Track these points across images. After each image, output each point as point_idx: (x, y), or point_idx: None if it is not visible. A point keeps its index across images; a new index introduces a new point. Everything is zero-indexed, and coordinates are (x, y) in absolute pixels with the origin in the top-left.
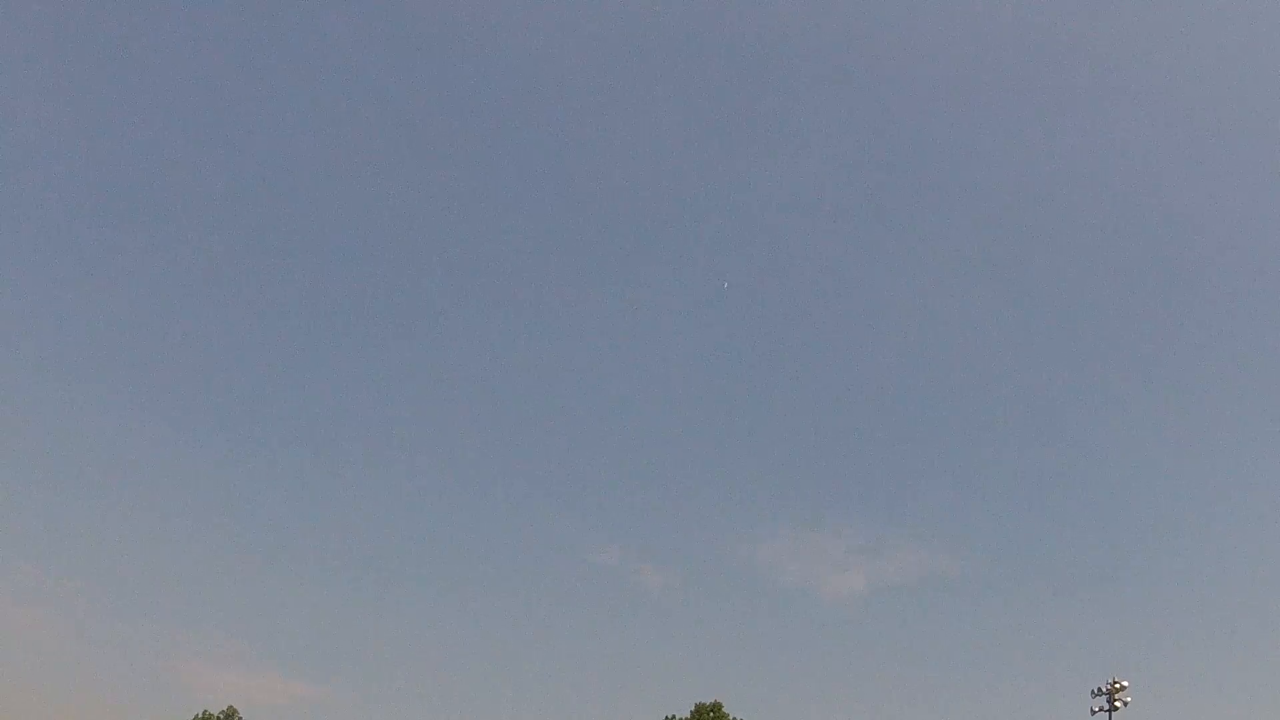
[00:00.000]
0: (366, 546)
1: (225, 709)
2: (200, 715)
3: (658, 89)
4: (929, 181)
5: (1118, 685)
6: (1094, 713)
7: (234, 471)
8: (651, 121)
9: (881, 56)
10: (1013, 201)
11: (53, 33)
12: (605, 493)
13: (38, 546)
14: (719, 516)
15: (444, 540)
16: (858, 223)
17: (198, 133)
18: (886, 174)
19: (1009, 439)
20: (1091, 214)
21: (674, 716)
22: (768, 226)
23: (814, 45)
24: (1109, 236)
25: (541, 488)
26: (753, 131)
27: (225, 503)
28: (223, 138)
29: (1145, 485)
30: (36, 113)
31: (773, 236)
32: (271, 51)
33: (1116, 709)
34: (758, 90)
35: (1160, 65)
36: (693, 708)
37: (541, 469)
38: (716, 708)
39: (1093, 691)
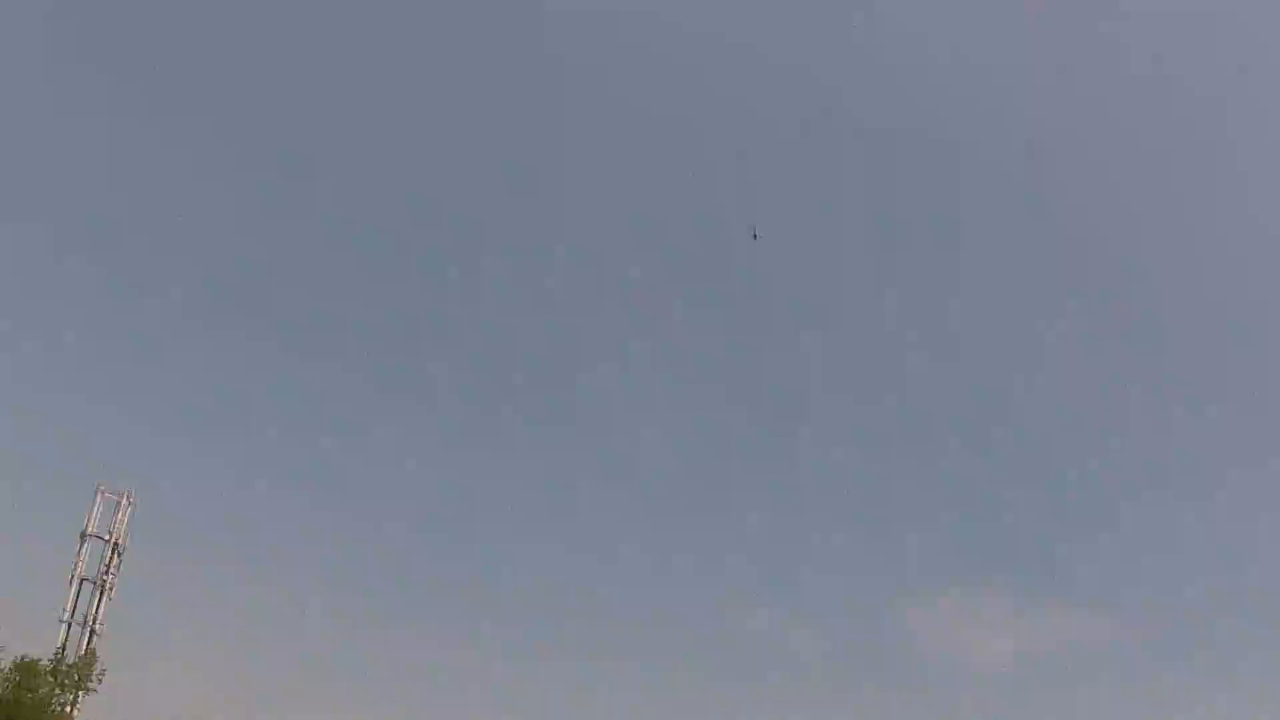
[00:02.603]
0: (501, 606)
1: None
2: None
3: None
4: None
5: None
6: None
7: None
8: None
9: None
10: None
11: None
12: (755, 553)
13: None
14: (867, 577)
15: (593, 607)
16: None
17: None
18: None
19: (1164, 495)
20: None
21: None
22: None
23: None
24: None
25: (688, 549)
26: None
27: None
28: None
29: None
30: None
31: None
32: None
33: None
34: None
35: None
36: None
37: (688, 531)
38: None
39: None
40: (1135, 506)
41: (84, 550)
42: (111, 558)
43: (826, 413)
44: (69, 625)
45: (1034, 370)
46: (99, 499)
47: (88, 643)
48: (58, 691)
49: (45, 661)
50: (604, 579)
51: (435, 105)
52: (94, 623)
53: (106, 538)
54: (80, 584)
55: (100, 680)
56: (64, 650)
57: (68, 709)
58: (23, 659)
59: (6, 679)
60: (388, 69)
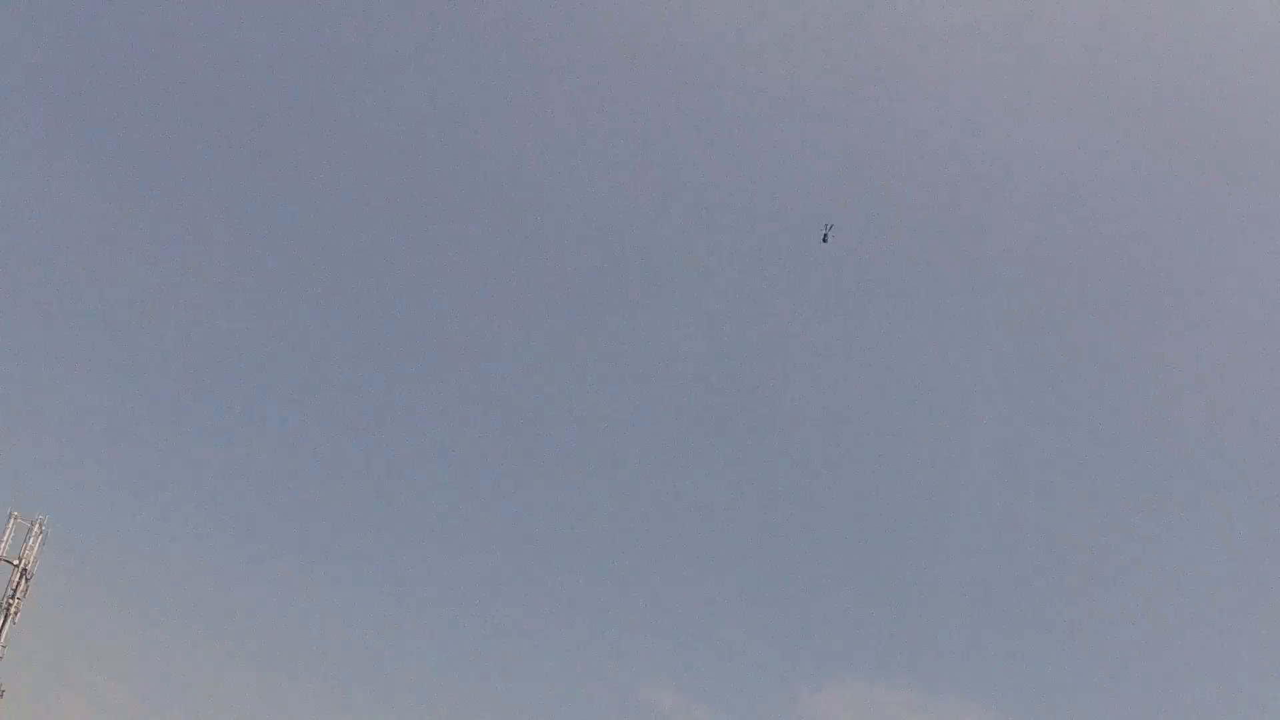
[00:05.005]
0: (407, 669)
1: None
2: None
3: None
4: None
5: None
6: None
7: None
8: None
9: None
10: None
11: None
12: (660, 627)
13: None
14: (771, 661)
15: (490, 665)
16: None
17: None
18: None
19: (1084, 600)
20: None
21: None
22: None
23: None
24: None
25: (596, 619)
26: None
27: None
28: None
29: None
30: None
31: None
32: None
33: None
34: None
35: None
36: None
37: (596, 600)
38: None
39: None
40: (1032, 607)
41: None
42: (19, 583)
43: (732, 505)
44: None
45: (942, 473)
46: (10, 524)
47: None
48: None
49: None
50: (514, 649)
51: None
52: None
53: (15, 562)
54: None
55: None
56: None
57: None
58: None
59: None
60: None
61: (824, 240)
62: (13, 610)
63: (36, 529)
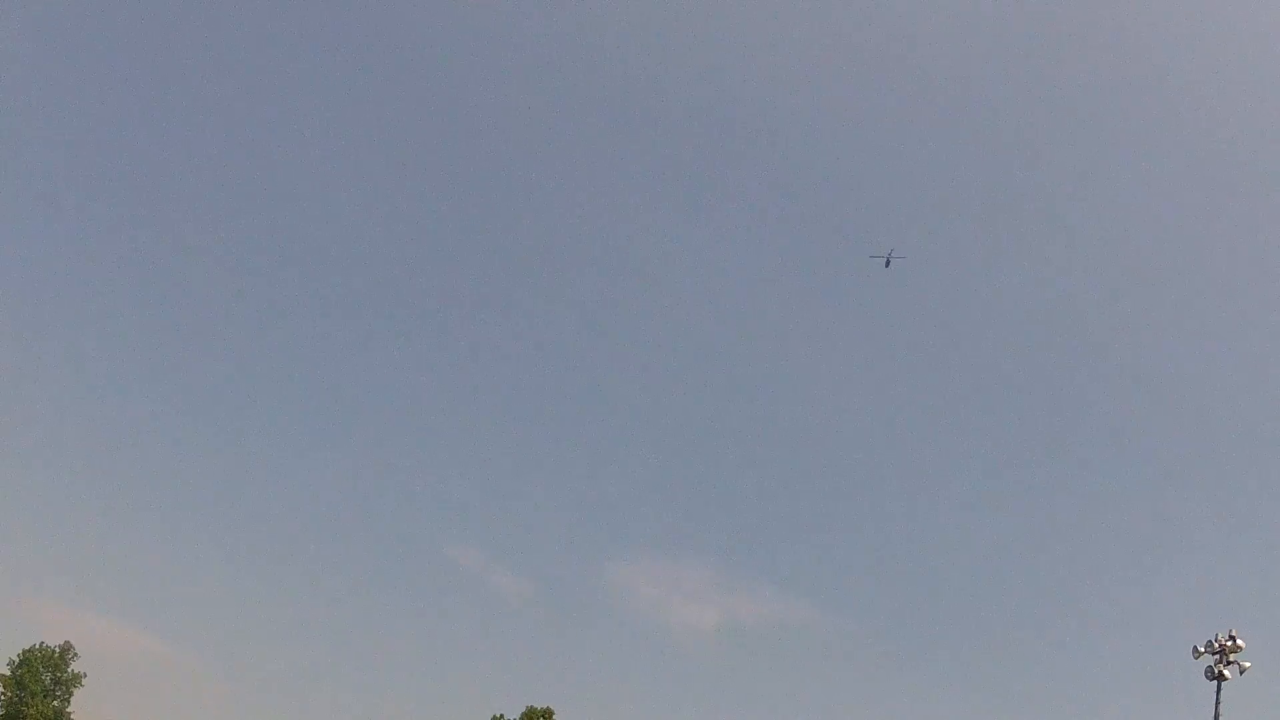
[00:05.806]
0: (233, 516)
1: (62, 644)
2: (37, 646)
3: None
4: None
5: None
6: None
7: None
8: None
9: None
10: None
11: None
12: (470, 493)
13: None
14: (578, 532)
15: (307, 516)
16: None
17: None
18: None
19: (886, 499)
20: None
21: (502, 716)
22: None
23: None
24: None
25: (404, 477)
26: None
27: (102, 462)
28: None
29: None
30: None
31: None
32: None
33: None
34: None
35: None
36: (524, 710)
37: (405, 459)
38: (548, 713)
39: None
40: (848, 507)
41: None
42: None
43: (550, 377)
44: None
45: (758, 371)
46: None
47: None
48: None
49: None
50: (323, 503)
51: None
52: None
53: None
54: None
55: None
56: None
57: None
58: None
59: None
60: None
61: (886, 265)
62: None
63: None
